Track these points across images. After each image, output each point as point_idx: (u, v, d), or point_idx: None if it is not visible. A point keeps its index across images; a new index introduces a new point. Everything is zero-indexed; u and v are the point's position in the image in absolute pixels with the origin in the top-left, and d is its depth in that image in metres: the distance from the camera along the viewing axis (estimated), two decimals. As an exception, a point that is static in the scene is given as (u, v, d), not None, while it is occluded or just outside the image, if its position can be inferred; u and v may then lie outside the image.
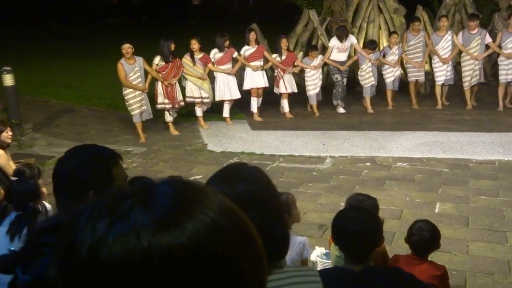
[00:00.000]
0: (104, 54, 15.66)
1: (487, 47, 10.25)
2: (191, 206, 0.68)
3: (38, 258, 1.23)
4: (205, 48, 10.06)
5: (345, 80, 10.61)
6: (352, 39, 10.71)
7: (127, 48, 8.85)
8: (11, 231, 3.44)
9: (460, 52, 10.46)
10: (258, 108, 10.38)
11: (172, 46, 9.32)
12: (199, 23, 26.07)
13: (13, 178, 4.76)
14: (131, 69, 8.94)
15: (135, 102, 9.06)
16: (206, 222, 0.67)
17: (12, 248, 1.38)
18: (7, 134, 5.82)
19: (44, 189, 4.98)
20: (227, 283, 0.67)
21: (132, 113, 9.15)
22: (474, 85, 10.40)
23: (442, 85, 10.54)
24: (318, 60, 10.43)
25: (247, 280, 0.69)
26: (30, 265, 1.23)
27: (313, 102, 10.48)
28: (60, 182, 1.79)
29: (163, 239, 0.64)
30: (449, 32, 10.39)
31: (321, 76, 10.56)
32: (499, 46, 10.11)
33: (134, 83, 9.00)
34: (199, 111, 9.90)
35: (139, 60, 9.08)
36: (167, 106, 9.47)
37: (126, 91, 9.03)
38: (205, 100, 9.86)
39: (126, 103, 9.17)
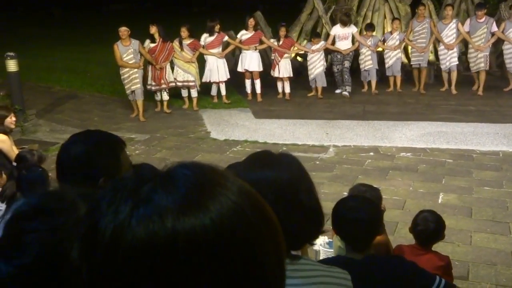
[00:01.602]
0: (107, 40, 15.57)
1: (493, 35, 10.31)
2: (212, 188, 0.68)
3: (19, 247, 1.19)
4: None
5: (346, 63, 10.72)
6: (352, 27, 10.79)
7: (123, 30, 9.40)
8: None
9: (465, 40, 10.52)
10: (259, 93, 10.65)
11: (152, 29, 9.83)
12: (203, 11, 25.95)
13: (14, 164, 4.75)
14: (125, 50, 9.46)
15: (128, 82, 9.58)
16: (228, 204, 0.67)
17: None
18: (11, 120, 5.83)
19: (50, 175, 4.99)
20: (249, 266, 0.67)
21: (127, 92, 9.74)
22: (481, 72, 10.39)
23: (450, 72, 10.55)
24: (318, 45, 10.56)
25: (268, 264, 0.69)
26: (12, 255, 1.19)
27: (318, 84, 10.62)
28: (66, 168, 1.76)
29: (187, 221, 0.64)
30: (454, 21, 10.47)
31: (323, 62, 10.62)
32: None
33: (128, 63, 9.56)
34: (183, 92, 10.45)
35: (135, 43, 9.56)
36: (153, 88, 10.02)
37: (122, 71, 9.58)
38: (190, 84, 10.26)
39: (123, 83, 9.69)
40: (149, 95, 10.10)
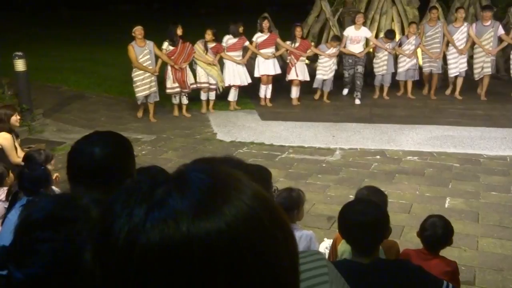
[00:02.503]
0: (114, 41, 15.65)
1: (500, 39, 10.21)
2: (226, 192, 0.67)
3: (30, 255, 1.19)
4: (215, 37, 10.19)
5: (359, 68, 10.57)
6: (366, 31, 10.66)
7: (139, 29, 9.18)
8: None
9: (473, 44, 10.39)
10: (268, 97, 10.51)
11: (179, 31, 9.56)
12: (209, 12, 26.00)
13: (22, 163, 4.78)
14: (141, 52, 9.22)
15: (142, 84, 9.35)
16: (243, 208, 0.66)
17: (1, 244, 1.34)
18: (16, 118, 5.88)
19: (57, 174, 5.01)
20: (264, 270, 0.66)
21: (137, 94, 9.47)
22: (485, 76, 10.31)
23: (456, 77, 10.47)
24: (334, 49, 10.45)
25: (282, 268, 0.69)
26: (22, 262, 1.19)
27: (325, 89, 10.55)
28: (86, 171, 1.72)
29: (202, 225, 0.63)
30: (465, 24, 10.34)
31: (334, 67, 10.54)
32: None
33: (144, 65, 9.32)
34: (203, 96, 10.19)
35: (150, 44, 9.34)
36: (176, 90, 9.72)
37: (136, 73, 9.33)
38: (212, 86, 10.07)
39: (134, 85, 9.44)
40: (161, 97, 9.83)
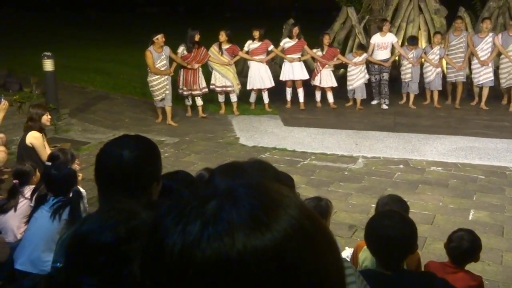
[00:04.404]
0: (140, 43, 15.81)
1: None
2: (275, 207, 0.69)
3: (90, 271, 1.22)
4: (239, 41, 10.34)
5: (385, 75, 10.58)
6: (392, 37, 10.62)
7: (162, 37, 9.31)
8: (53, 212, 3.53)
9: (499, 54, 10.26)
10: (302, 102, 10.58)
11: (197, 37, 9.71)
12: (235, 16, 26.10)
13: (47, 163, 4.84)
14: (158, 57, 9.39)
15: (159, 89, 9.50)
16: (292, 223, 0.68)
17: (58, 264, 1.37)
18: (47, 117, 5.97)
19: (80, 174, 5.07)
20: (315, 278, 0.68)
21: (155, 98, 9.67)
22: (511, 87, 10.19)
23: (482, 88, 10.34)
24: (361, 57, 10.44)
25: (330, 273, 0.70)
26: (81, 280, 1.23)
27: (357, 96, 10.57)
28: (112, 173, 1.73)
29: (256, 241, 0.64)
30: (491, 34, 10.21)
31: (363, 75, 10.50)
32: None
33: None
34: (221, 98, 10.35)
35: (166, 49, 9.52)
36: (185, 92, 9.93)
37: (152, 77, 9.49)
38: (229, 89, 10.18)
39: (150, 89, 9.63)
40: (178, 100, 10.11)
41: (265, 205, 0.68)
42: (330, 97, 10.62)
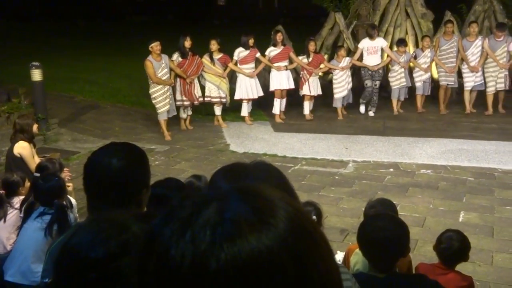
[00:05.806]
0: (129, 52, 15.81)
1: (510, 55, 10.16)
2: (275, 207, 0.69)
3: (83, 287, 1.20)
4: (228, 48, 10.20)
5: (377, 83, 10.50)
6: (381, 41, 10.62)
7: (158, 45, 8.98)
8: (45, 229, 3.52)
9: (486, 58, 10.33)
10: (282, 110, 10.41)
11: (187, 43, 9.51)
12: (224, 23, 26.17)
13: (36, 174, 4.81)
14: (159, 66, 9.09)
15: (163, 99, 9.19)
16: (293, 221, 0.68)
17: (47, 280, 1.34)
18: (36, 126, 5.95)
19: (70, 184, 5.03)
20: (316, 274, 0.68)
21: (159, 110, 9.24)
22: (500, 91, 10.26)
23: (471, 91, 10.41)
24: (345, 61, 10.37)
25: (327, 270, 0.71)
26: None
27: (338, 105, 10.41)
28: (100, 181, 1.73)
29: (263, 239, 0.64)
30: (479, 38, 10.29)
31: (349, 79, 10.43)
32: None
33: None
34: (217, 110, 10.09)
35: (165, 57, 9.26)
36: (185, 103, 9.70)
37: (154, 88, 9.13)
38: (223, 100, 10.00)
39: (154, 101, 9.24)
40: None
41: (265, 206, 0.68)
42: (310, 107, 10.37)
